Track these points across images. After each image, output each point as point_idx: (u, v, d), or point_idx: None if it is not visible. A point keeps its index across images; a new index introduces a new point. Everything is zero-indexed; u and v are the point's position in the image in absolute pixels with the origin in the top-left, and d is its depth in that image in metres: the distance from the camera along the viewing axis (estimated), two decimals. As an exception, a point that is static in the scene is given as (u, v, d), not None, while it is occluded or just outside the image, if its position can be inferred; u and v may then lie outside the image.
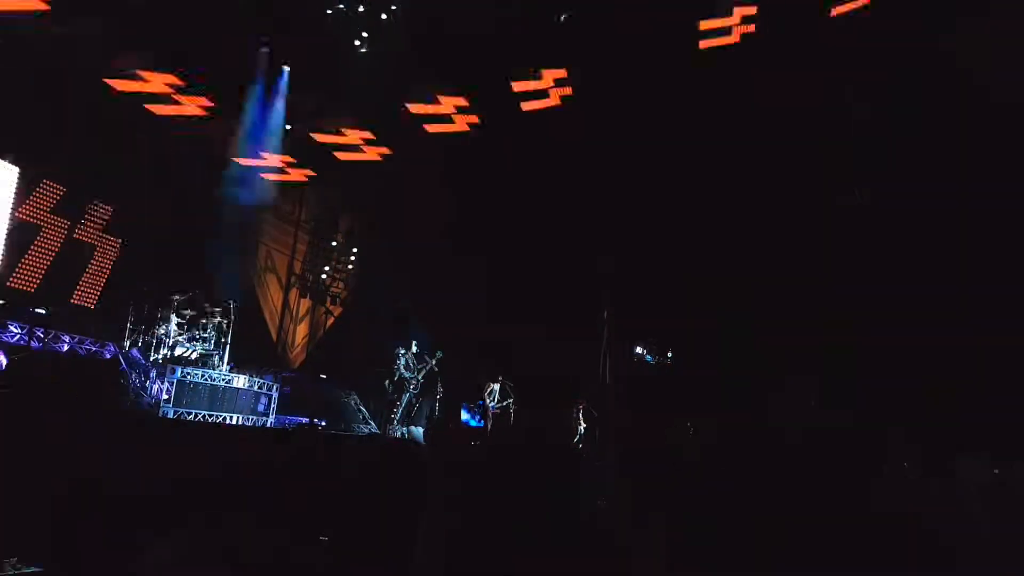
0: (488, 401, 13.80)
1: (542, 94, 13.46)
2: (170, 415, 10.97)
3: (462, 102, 13.90)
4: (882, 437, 9.12)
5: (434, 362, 13.80)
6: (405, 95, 13.65)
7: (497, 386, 13.89)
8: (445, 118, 14.19)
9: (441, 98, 13.90)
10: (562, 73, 13.23)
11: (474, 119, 14.21)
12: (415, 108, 13.76)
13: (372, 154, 15.35)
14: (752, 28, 11.98)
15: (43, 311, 10.23)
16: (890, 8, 11.19)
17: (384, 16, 13.07)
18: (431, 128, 14.31)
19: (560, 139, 14.07)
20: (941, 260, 11.52)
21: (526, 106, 13.58)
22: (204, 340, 12.63)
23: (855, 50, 11.37)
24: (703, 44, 12.01)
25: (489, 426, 13.52)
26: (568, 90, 13.41)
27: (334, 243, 18.11)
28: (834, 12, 11.53)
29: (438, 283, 15.30)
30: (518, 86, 13.25)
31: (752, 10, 11.88)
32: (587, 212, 14.20)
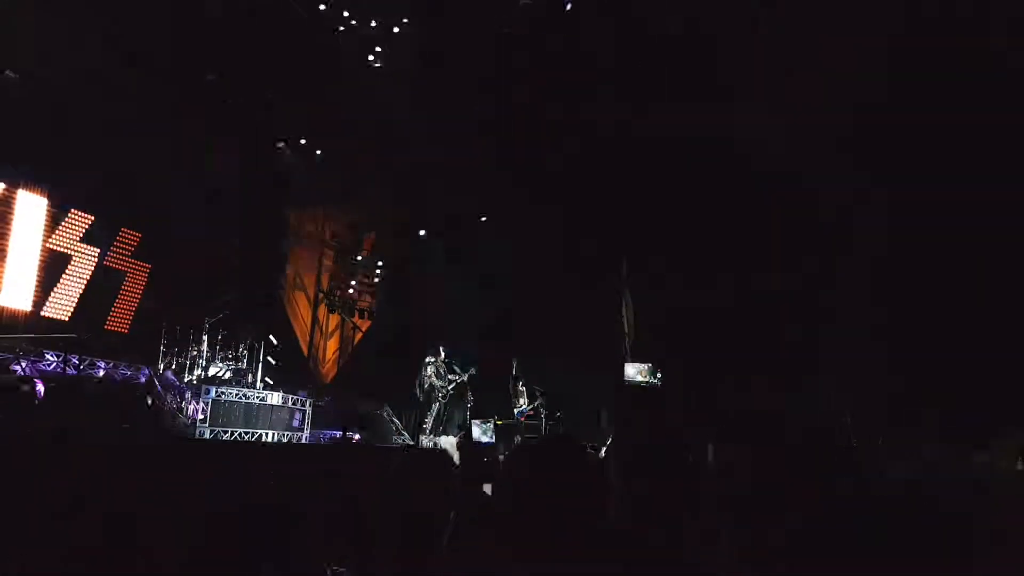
0: (523, 405, 13.69)
1: None
2: (207, 435, 11.09)
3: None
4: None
5: (465, 377, 13.75)
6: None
7: (524, 389, 13.80)
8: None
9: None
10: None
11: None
12: None
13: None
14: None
15: (74, 336, 10.35)
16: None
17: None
18: None
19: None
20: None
21: None
22: (237, 359, 12.77)
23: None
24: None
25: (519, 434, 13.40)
26: None
27: (359, 258, 18.23)
28: None
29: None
30: None
31: None
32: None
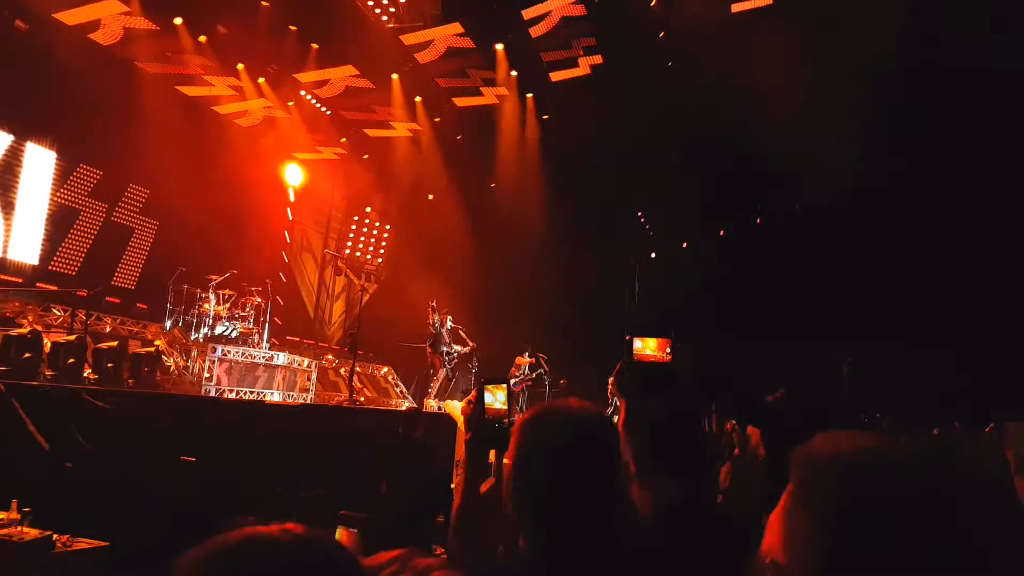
0: (520, 375, 13.70)
1: (571, 62, 13.04)
2: (212, 393, 11.12)
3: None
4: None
5: (468, 349, 13.77)
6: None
7: (527, 359, 13.82)
8: (474, 90, 13.98)
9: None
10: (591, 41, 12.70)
11: (503, 91, 13.94)
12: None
13: (402, 130, 15.18)
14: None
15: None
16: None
17: None
18: (460, 101, 14.22)
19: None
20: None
21: (556, 76, 13.27)
22: (243, 319, 12.76)
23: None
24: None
25: (521, 402, 13.43)
26: (598, 58, 12.92)
27: (367, 220, 18.13)
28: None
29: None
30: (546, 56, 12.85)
31: None
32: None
